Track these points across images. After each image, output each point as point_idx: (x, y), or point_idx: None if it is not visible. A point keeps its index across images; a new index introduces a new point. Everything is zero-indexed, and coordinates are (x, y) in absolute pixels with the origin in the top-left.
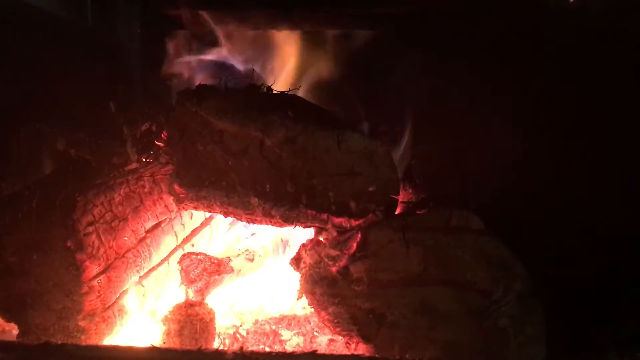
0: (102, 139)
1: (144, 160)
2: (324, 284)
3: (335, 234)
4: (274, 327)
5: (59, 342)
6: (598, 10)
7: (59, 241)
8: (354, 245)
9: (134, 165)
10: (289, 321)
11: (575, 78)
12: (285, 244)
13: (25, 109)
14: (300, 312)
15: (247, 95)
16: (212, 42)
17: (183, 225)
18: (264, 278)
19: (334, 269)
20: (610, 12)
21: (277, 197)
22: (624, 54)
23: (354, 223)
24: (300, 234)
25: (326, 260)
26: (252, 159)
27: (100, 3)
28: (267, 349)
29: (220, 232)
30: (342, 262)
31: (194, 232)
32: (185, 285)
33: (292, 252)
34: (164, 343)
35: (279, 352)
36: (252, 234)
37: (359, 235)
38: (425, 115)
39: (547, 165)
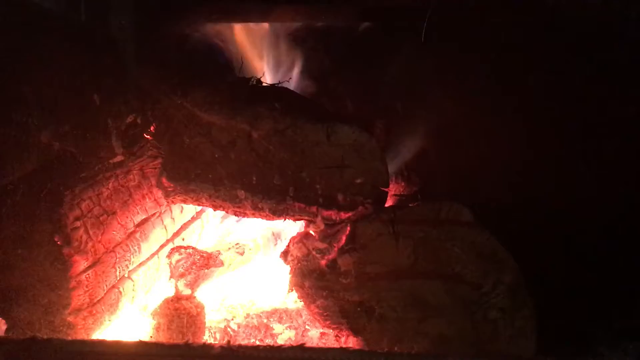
0: (87, 132)
1: (130, 152)
2: (313, 277)
3: (323, 227)
4: (265, 320)
5: (45, 337)
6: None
7: (44, 236)
8: (343, 238)
9: (119, 159)
10: (280, 315)
11: (573, 74)
12: (276, 237)
13: (7, 100)
14: (291, 306)
15: (234, 88)
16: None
17: (173, 219)
18: (256, 271)
19: (322, 261)
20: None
21: (264, 190)
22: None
23: (344, 216)
24: (292, 227)
25: (314, 253)
26: (239, 151)
27: None
28: (258, 343)
29: (212, 226)
30: (332, 255)
31: (185, 226)
32: (174, 279)
33: (283, 245)
34: (153, 337)
35: (267, 345)
36: (244, 227)
37: (348, 228)
38: (419, 109)
39: (541, 159)
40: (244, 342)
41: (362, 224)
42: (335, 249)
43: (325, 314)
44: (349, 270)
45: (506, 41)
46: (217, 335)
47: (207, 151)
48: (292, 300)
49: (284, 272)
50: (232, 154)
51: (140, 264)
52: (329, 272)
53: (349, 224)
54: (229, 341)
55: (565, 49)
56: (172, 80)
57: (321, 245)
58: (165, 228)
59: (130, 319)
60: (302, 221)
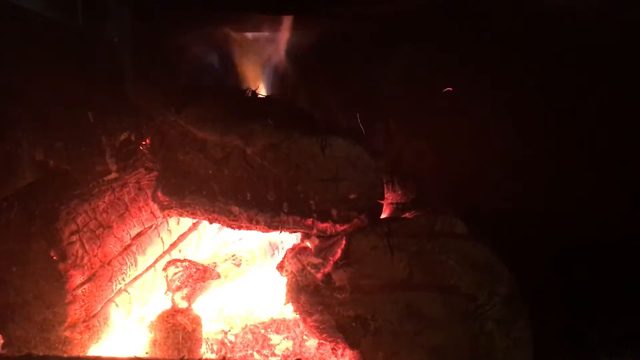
0: (81, 149)
1: (126, 165)
2: (308, 291)
3: (317, 241)
4: (262, 331)
5: (41, 354)
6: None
7: (39, 252)
8: (339, 251)
9: (114, 176)
10: (278, 325)
11: (570, 75)
12: (274, 247)
13: (1, 117)
14: (289, 316)
15: (228, 102)
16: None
17: (170, 231)
18: (253, 282)
19: (318, 275)
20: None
21: (259, 205)
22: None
23: (339, 228)
24: (290, 237)
25: (309, 268)
26: (233, 167)
27: (84, 8)
28: (256, 354)
29: (208, 237)
30: (327, 269)
31: (181, 238)
32: (170, 292)
33: (281, 255)
34: (149, 352)
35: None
36: (240, 239)
37: (344, 241)
38: (415, 114)
39: (538, 165)
40: (241, 354)
41: (356, 237)
42: (331, 262)
43: (321, 327)
44: (344, 285)
45: (504, 48)
46: (215, 347)
47: (201, 167)
48: (290, 311)
49: (281, 283)
50: (226, 169)
51: (137, 277)
52: (323, 287)
53: (344, 237)
54: (224, 356)
55: (562, 55)
56: (166, 97)
57: (316, 261)
58: (162, 240)
59: (126, 333)
60: (299, 233)
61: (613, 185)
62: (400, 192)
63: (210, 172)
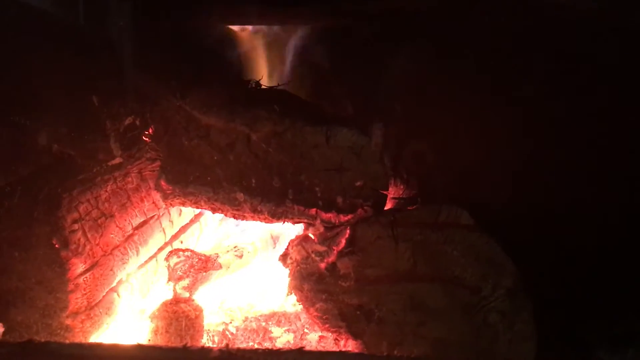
0: (85, 134)
1: (129, 155)
2: (312, 280)
3: (322, 229)
4: (263, 324)
5: (42, 340)
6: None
7: (42, 238)
8: (343, 240)
9: (117, 161)
10: (279, 318)
11: (571, 76)
12: (275, 240)
13: (5, 102)
14: (290, 309)
15: (233, 90)
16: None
17: (171, 221)
18: (254, 275)
19: (322, 264)
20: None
21: (263, 193)
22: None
23: (343, 218)
24: (291, 230)
25: (313, 256)
26: (238, 154)
27: None
28: (257, 346)
29: (210, 229)
30: (331, 258)
31: (183, 229)
32: (172, 282)
33: (282, 248)
34: (151, 340)
35: (265, 349)
36: (243, 231)
37: (348, 231)
38: (417, 111)
39: (538, 162)
40: (242, 346)
41: (361, 227)
42: (335, 251)
43: (324, 317)
44: (348, 273)
45: (502, 41)
46: (216, 339)
47: (205, 153)
48: (291, 304)
49: (282, 275)
50: (231, 156)
51: (139, 267)
52: (328, 275)
53: (348, 227)
54: (227, 344)
55: (562, 47)
56: (171, 82)
57: (320, 248)
58: (164, 231)
59: (128, 322)
60: (302, 224)
61: (614, 185)
62: (402, 187)
63: (215, 158)
